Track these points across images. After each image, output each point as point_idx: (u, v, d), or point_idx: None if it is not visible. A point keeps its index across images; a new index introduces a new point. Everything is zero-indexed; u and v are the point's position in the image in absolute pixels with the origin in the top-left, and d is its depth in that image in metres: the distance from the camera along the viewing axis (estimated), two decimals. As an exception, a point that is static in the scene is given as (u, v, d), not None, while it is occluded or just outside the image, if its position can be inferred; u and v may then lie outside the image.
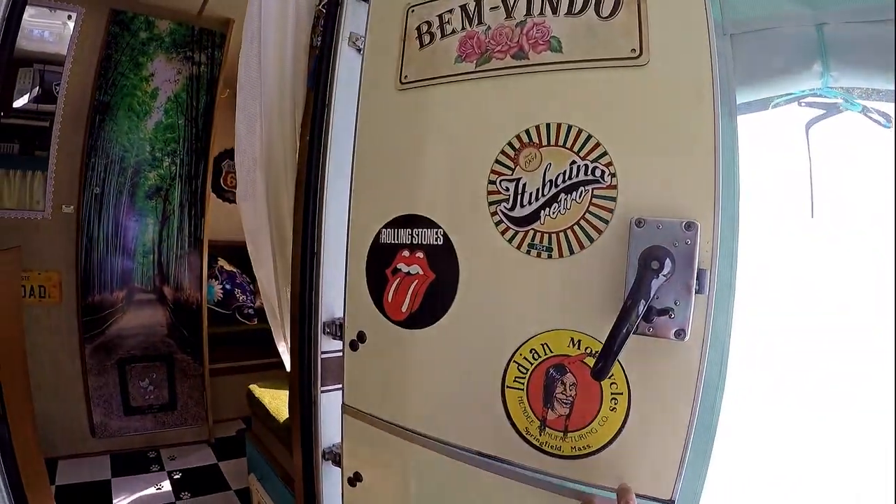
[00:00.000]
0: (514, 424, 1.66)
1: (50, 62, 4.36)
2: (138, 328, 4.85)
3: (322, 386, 2.47)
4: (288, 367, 3.28)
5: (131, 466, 4.64)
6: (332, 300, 2.43)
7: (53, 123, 4.38)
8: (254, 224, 3.20)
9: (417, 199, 1.94)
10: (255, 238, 3.24)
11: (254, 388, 3.93)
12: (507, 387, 1.67)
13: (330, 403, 2.45)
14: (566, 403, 1.57)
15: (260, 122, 2.93)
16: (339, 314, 2.32)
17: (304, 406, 2.49)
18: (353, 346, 2.14)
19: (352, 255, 2.16)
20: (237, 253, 5.94)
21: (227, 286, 5.82)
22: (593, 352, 1.52)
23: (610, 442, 1.50)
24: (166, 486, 4.40)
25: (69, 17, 4.37)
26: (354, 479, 2.17)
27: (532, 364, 1.63)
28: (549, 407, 1.60)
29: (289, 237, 2.99)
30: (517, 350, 1.66)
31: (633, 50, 1.50)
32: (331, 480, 2.46)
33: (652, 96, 1.47)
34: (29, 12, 4.01)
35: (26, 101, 4.30)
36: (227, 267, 5.99)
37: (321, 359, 2.46)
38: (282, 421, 3.36)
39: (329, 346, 2.45)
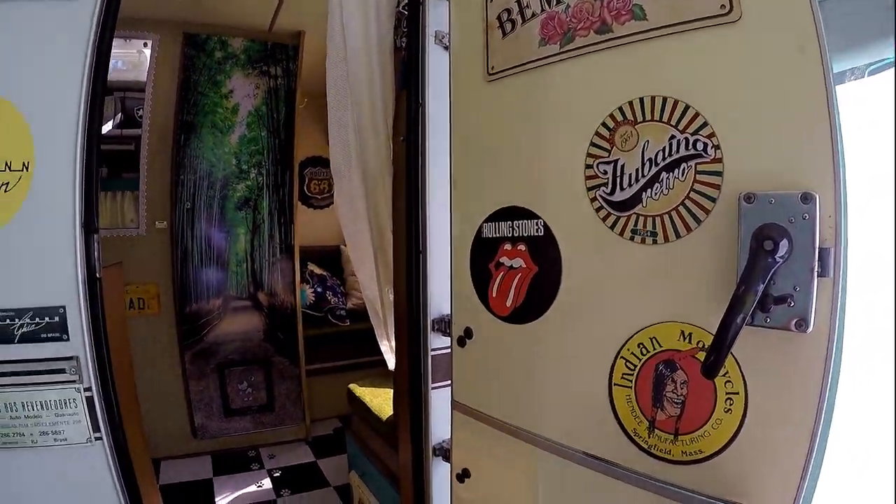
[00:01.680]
0: (621, 425, 1.48)
1: (130, 89, 4.26)
2: (235, 334, 4.57)
3: (432, 383, 2.32)
4: (390, 366, 3.09)
5: (232, 466, 4.41)
6: (439, 297, 2.26)
7: (140, 146, 4.24)
8: (352, 226, 2.93)
9: (515, 190, 1.79)
10: (354, 240, 2.97)
11: (353, 387, 3.61)
12: (615, 384, 1.49)
13: (439, 400, 2.30)
14: (677, 403, 1.36)
15: (352, 125, 2.73)
16: (447, 311, 2.17)
17: (415, 403, 2.34)
18: (461, 342, 2.01)
19: (456, 251, 2.04)
20: (326, 257, 5.85)
21: (319, 289, 5.49)
22: (705, 346, 1.29)
23: (724, 447, 1.28)
24: (267, 483, 4.16)
25: (144, 45, 4.21)
26: (463, 475, 2.05)
27: (640, 360, 1.43)
28: (658, 407, 1.40)
29: (388, 237, 2.78)
30: (624, 344, 1.46)
31: (723, 6, 1.25)
32: (440, 476, 2.33)
33: (749, 55, 1.24)
34: None
35: (110, 127, 4.21)
36: (318, 271, 5.70)
37: (431, 356, 2.30)
38: (384, 418, 3.07)
39: (438, 342, 2.30)
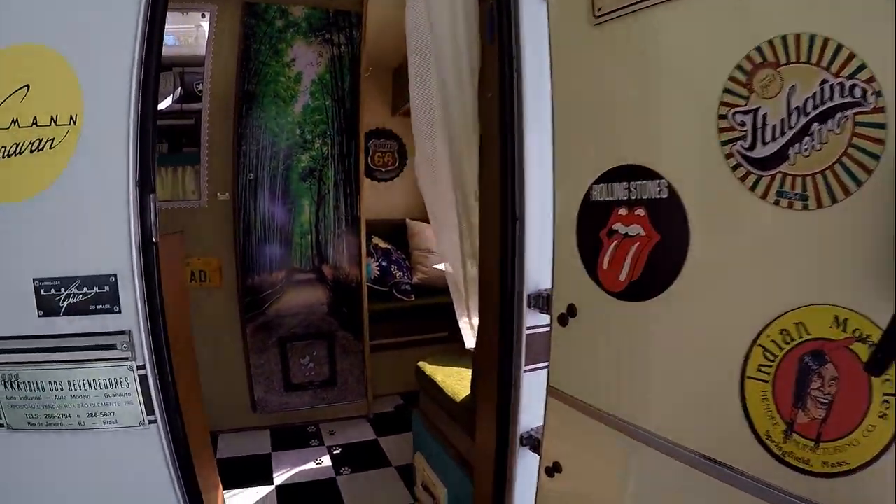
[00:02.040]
0: (752, 425, 1.23)
1: (188, 64, 4.17)
2: (298, 307, 4.33)
3: (525, 365, 2.03)
4: (468, 345, 2.88)
5: (291, 441, 4.24)
6: (537, 270, 1.98)
7: (201, 118, 4.05)
8: (433, 192, 2.69)
9: (632, 146, 1.53)
10: (435, 208, 2.74)
11: (423, 365, 3.37)
12: (748, 377, 1.23)
13: (532, 384, 2.02)
14: (823, 404, 1.10)
15: (435, 83, 2.50)
16: (546, 285, 1.93)
17: (504, 386, 2.06)
18: (562, 320, 1.77)
19: (560, 218, 1.79)
20: (391, 230, 5.55)
21: (384, 263, 5.21)
22: (864, 336, 1.04)
23: (874, 460, 1.03)
24: (326, 461, 3.96)
25: (203, 17, 4.06)
26: (553, 469, 1.85)
27: (782, 349, 1.17)
28: (799, 407, 1.14)
29: (473, 204, 2.45)
30: (763, 330, 1.20)
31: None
32: (525, 468, 2.06)
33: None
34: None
35: (170, 102, 4.12)
36: (382, 245, 5.40)
37: (526, 335, 2.01)
38: (459, 400, 2.82)
39: (534, 320, 2.00)
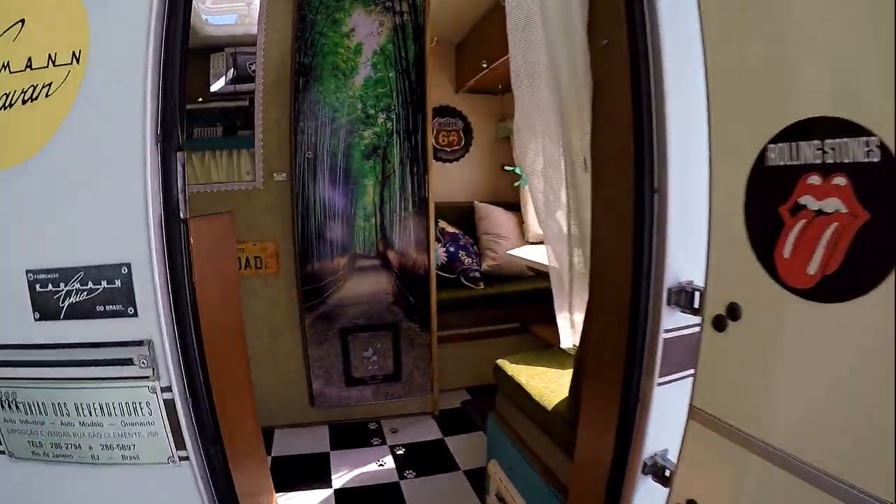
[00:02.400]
0: None
1: (241, 44, 3.76)
2: (361, 296, 3.88)
3: (659, 376, 1.53)
4: (564, 343, 2.39)
5: (351, 439, 3.87)
6: (678, 256, 1.49)
7: (255, 94, 3.69)
8: (535, 163, 2.16)
9: (826, 91, 1.11)
10: (535, 181, 2.20)
11: (503, 363, 2.94)
12: None
13: (665, 400, 1.54)
14: None
15: (540, 28, 1.99)
16: (690, 277, 1.49)
17: (627, 400, 1.58)
18: (719, 324, 1.37)
19: (717, 189, 1.41)
20: (458, 214, 5.06)
21: (451, 248, 4.74)
22: None
23: None
24: (389, 462, 3.57)
25: None
26: None
27: None
28: None
29: (582, 174, 1.97)
30: None
31: None
32: (645, 500, 1.60)
33: None
34: None
35: (223, 84, 3.73)
36: (450, 229, 4.92)
37: (662, 339, 1.51)
38: (550, 408, 2.37)
39: (673, 321, 1.50)
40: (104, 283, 1.19)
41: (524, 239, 4.93)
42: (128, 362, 1.23)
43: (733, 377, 1.38)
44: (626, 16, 1.51)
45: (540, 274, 3.91)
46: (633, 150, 1.51)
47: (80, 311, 1.22)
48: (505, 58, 4.13)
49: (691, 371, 1.50)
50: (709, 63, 1.41)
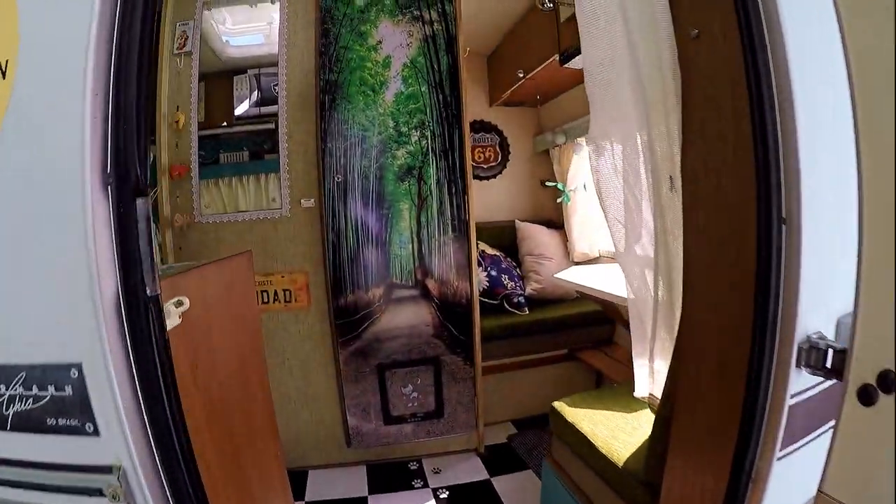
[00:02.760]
0: None
1: (265, 65, 3.45)
2: (399, 329, 3.47)
3: (780, 449, 1.17)
4: (640, 392, 2.12)
5: (391, 480, 3.46)
6: (812, 305, 1.12)
7: (279, 116, 3.38)
8: (612, 180, 1.81)
9: None
10: (613, 200, 1.85)
11: (561, 406, 2.57)
12: None
13: (785, 478, 1.19)
14: None
15: (620, 24, 1.64)
16: (819, 328, 1.12)
17: (737, 477, 1.22)
18: (866, 396, 0.98)
19: (871, 220, 1.00)
20: (498, 234, 4.65)
21: (493, 272, 4.30)
22: None
23: None
24: None
25: (272, 2, 3.46)
26: None
27: None
28: None
29: (669, 194, 1.60)
30: None
31: None
32: None
33: None
34: (230, 19, 3.52)
35: (247, 107, 3.46)
36: (490, 251, 4.48)
37: (787, 406, 1.15)
38: (621, 465, 2.03)
39: (800, 383, 1.16)
40: (51, 389, 0.80)
41: (569, 259, 4.50)
42: (96, 493, 0.84)
43: (880, 465, 1.02)
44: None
45: (587, 296, 3.52)
46: (755, 168, 1.13)
47: (28, 423, 0.84)
48: (543, 66, 3.78)
49: (820, 444, 1.16)
50: (851, 48, 1.03)
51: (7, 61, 0.85)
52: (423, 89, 3.34)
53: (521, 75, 4.01)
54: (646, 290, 1.72)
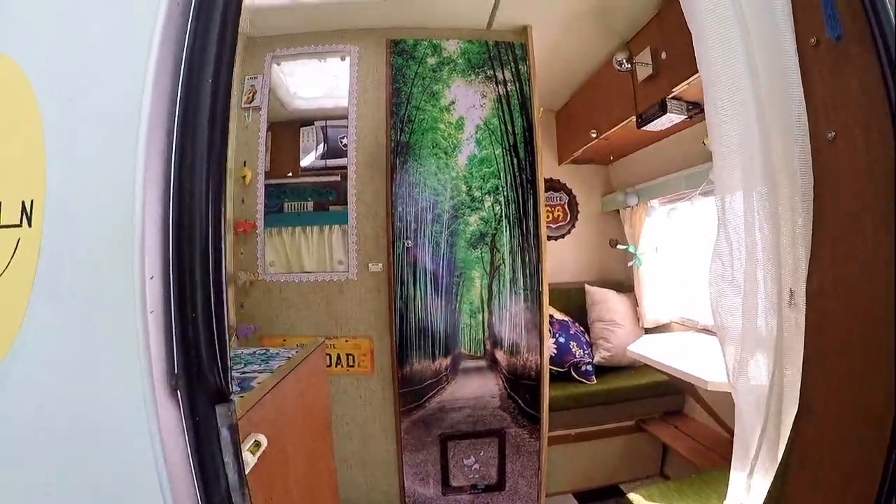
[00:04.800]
0: None
1: (331, 117, 3.42)
2: (465, 400, 3.32)
3: None
4: (732, 500, 1.82)
5: None
6: None
7: (347, 177, 3.33)
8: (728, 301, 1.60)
9: None
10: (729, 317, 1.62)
11: (637, 499, 2.47)
12: None
13: None
14: None
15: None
16: None
17: None
18: None
19: None
20: (566, 298, 4.47)
21: (561, 339, 4.12)
22: None
23: None
24: None
25: (342, 59, 3.47)
26: None
27: None
28: None
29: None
30: None
31: None
32: None
33: None
34: (297, 70, 3.59)
35: (313, 159, 3.46)
36: (558, 315, 4.29)
37: None
38: None
39: None
40: None
41: (639, 325, 4.29)
42: None
43: None
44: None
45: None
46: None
47: None
48: (619, 127, 3.73)
49: None
50: None
51: (34, 199, 0.70)
52: (496, 152, 3.23)
53: (595, 135, 3.93)
54: (760, 370, 1.62)
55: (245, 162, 3.54)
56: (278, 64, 3.58)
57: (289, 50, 3.60)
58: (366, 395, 3.35)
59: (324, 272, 3.35)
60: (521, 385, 3.27)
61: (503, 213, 3.23)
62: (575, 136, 4.35)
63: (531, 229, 3.22)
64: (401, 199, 3.20)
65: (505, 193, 3.23)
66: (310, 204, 3.43)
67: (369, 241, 3.28)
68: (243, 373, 1.95)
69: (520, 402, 3.28)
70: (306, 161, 3.44)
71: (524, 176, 3.25)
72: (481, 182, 3.24)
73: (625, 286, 4.58)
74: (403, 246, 3.20)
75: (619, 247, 4.36)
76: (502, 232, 3.23)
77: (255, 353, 2.45)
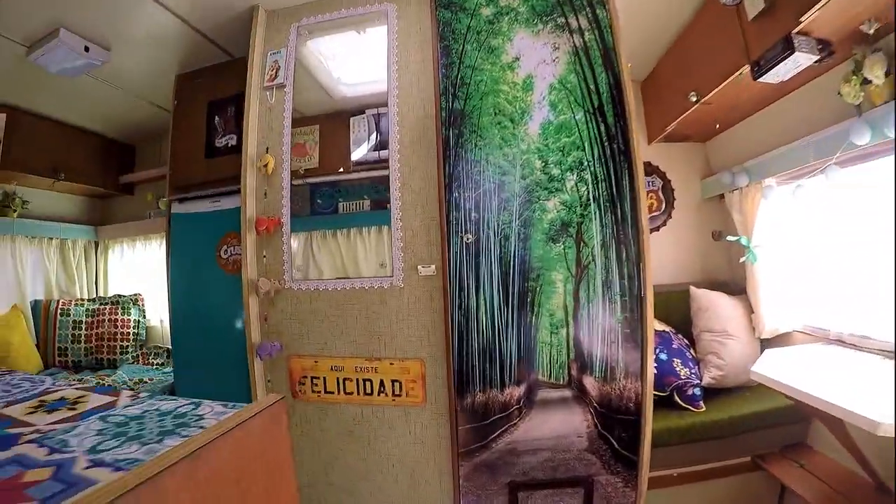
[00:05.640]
0: None
1: (383, 104, 2.84)
2: (543, 441, 2.48)
3: None
4: None
5: None
6: None
7: (389, 158, 2.68)
8: None
9: None
10: None
11: None
12: None
13: None
14: None
15: None
16: None
17: None
18: None
19: None
20: (665, 303, 3.52)
21: (662, 355, 3.23)
22: None
23: None
24: None
25: (377, 22, 2.94)
26: None
27: None
28: None
29: None
30: None
31: None
32: None
33: None
34: (338, 52, 3.12)
35: (366, 151, 2.88)
36: (658, 326, 3.38)
37: None
38: None
39: None
40: None
41: (755, 334, 3.33)
42: None
43: None
44: None
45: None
46: None
47: None
48: (727, 82, 2.85)
49: None
50: None
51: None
52: (577, 117, 2.44)
53: (695, 99, 3.10)
54: None
55: (267, 148, 2.86)
56: (310, 37, 3.01)
57: (316, 17, 2.94)
58: (417, 431, 2.65)
59: (361, 278, 2.64)
60: (615, 421, 2.45)
61: (590, 195, 2.42)
62: (667, 106, 3.50)
63: (628, 215, 2.39)
64: (457, 181, 2.44)
65: (592, 169, 2.42)
66: (367, 202, 2.82)
67: (418, 238, 2.59)
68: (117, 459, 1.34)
69: (613, 442, 2.46)
70: (358, 154, 2.86)
71: (615, 146, 2.43)
72: (560, 155, 2.44)
73: (733, 288, 3.64)
74: (462, 242, 2.43)
75: (728, 238, 3.44)
76: (590, 219, 2.41)
77: (173, 411, 1.78)
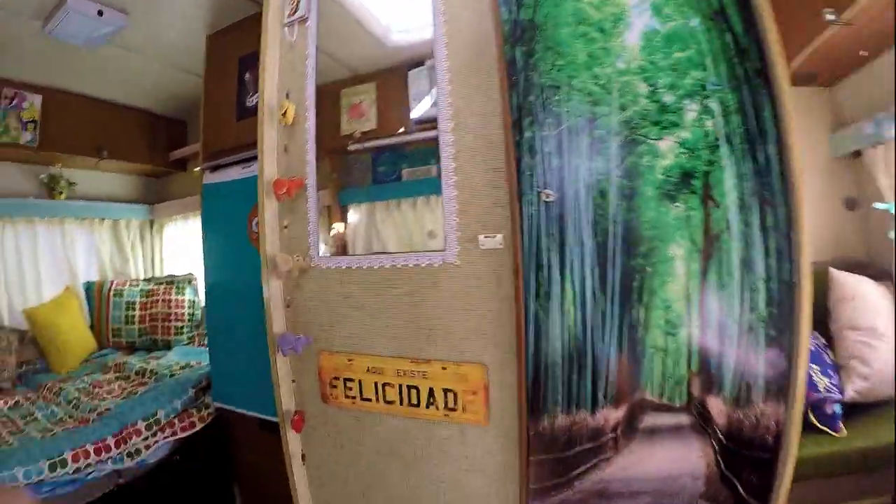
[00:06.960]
0: None
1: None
2: (646, 481, 1.66)
3: None
4: None
5: None
6: None
7: (437, 90, 1.89)
8: None
9: None
10: None
11: None
12: None
13: None
14: None
15: None
16: None
17: None
18: None
19: None
20: None
21: None
22: None
23: None
24: None
25: None
26: None
27: None
28: None
29: None
30: None
31: None
32: None
33: None
34: None
35: (427, 107, 2.14)
36: None
37: None
38: None
39: None
40: None
41: None
42: None
43: None
44: None
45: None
46: None
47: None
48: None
49: None
50: None
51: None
52: (692, 24, 1.58)
53: (832, 18, 2.19)
54: None
55: (288, 93, 2.18)
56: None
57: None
58: (475, 457, 1.89)
59: (403, 254, 1.94)
60: (744, 459, 1.59)
61: (720, 133, 1.55)
62: (789, 32, 2.57)
63: (773, 162, 1.51)
64: (529, 116, 1.64)
65: (719, 96, 1.56)
66: (434, 168, 2.04)
67: (477, 198, 1.80)
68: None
69: (738, 486, 1.61)
70: (417, 112, 2.20)
71: (748, 65, 1.56)
72: (673, 76, 1.58)
73: (876, 272, 2.65)
74: (539, 201, 1.62)
75: (875, 205, 2.48)
76: (720, 167, 1.54)
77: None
